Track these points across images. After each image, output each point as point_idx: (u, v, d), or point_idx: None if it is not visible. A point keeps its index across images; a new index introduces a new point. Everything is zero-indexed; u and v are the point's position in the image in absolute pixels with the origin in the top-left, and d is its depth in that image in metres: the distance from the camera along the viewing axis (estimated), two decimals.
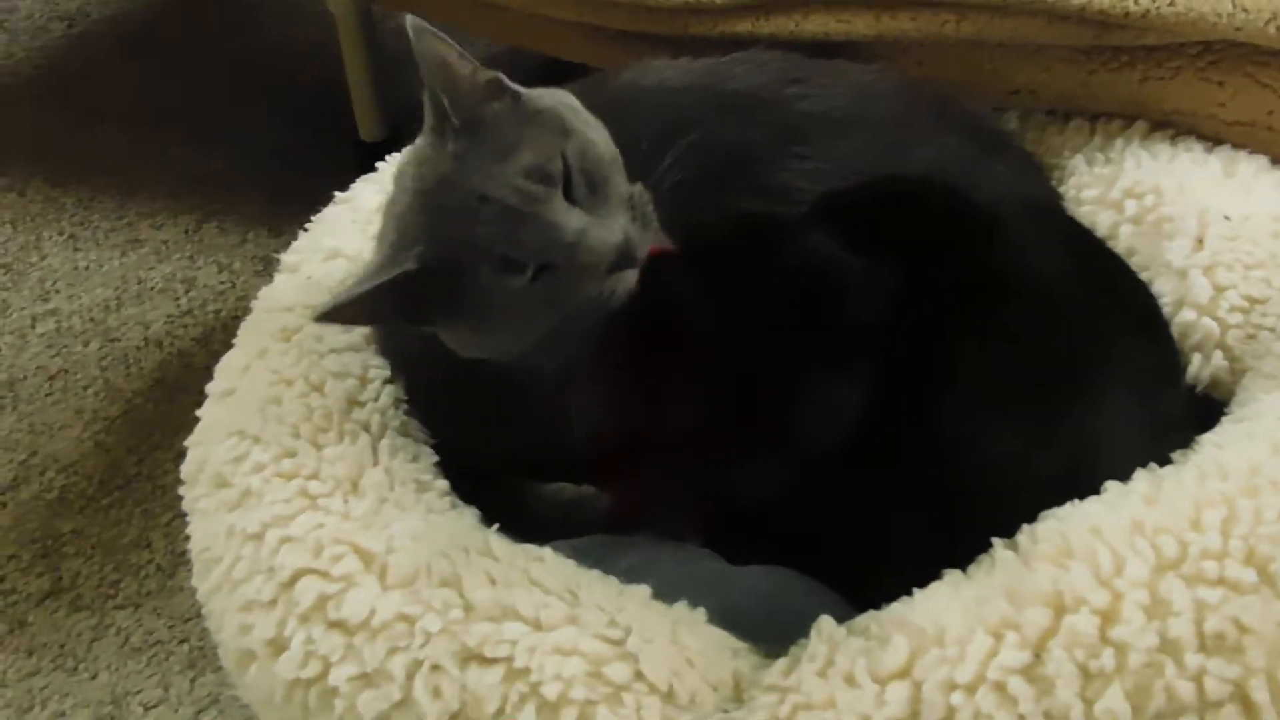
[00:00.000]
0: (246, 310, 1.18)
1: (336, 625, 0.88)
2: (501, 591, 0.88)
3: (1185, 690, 0.75)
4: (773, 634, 0.88)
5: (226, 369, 1.10)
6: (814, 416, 0.98)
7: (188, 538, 1.04)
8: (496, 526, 0.96)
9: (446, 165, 0.97)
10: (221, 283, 1.78)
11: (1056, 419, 0.92)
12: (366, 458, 0.99)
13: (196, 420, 1.08)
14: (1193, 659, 0.76)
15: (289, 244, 1.61)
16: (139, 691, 1.26)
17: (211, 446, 1.03)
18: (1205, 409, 1.01)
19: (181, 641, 1.30)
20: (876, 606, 0.89)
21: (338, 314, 0.95)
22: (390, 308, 0.96)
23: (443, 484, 1.01)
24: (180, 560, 1.35)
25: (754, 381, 0.97)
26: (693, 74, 1.20)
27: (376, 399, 1.04)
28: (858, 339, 0.97)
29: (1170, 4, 1.11)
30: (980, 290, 0.96)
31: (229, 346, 1.17)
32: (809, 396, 0.97)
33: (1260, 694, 0.75)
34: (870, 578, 0.94)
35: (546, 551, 0.93)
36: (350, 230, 1.20)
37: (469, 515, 0.98)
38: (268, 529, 0.94)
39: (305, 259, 1.19)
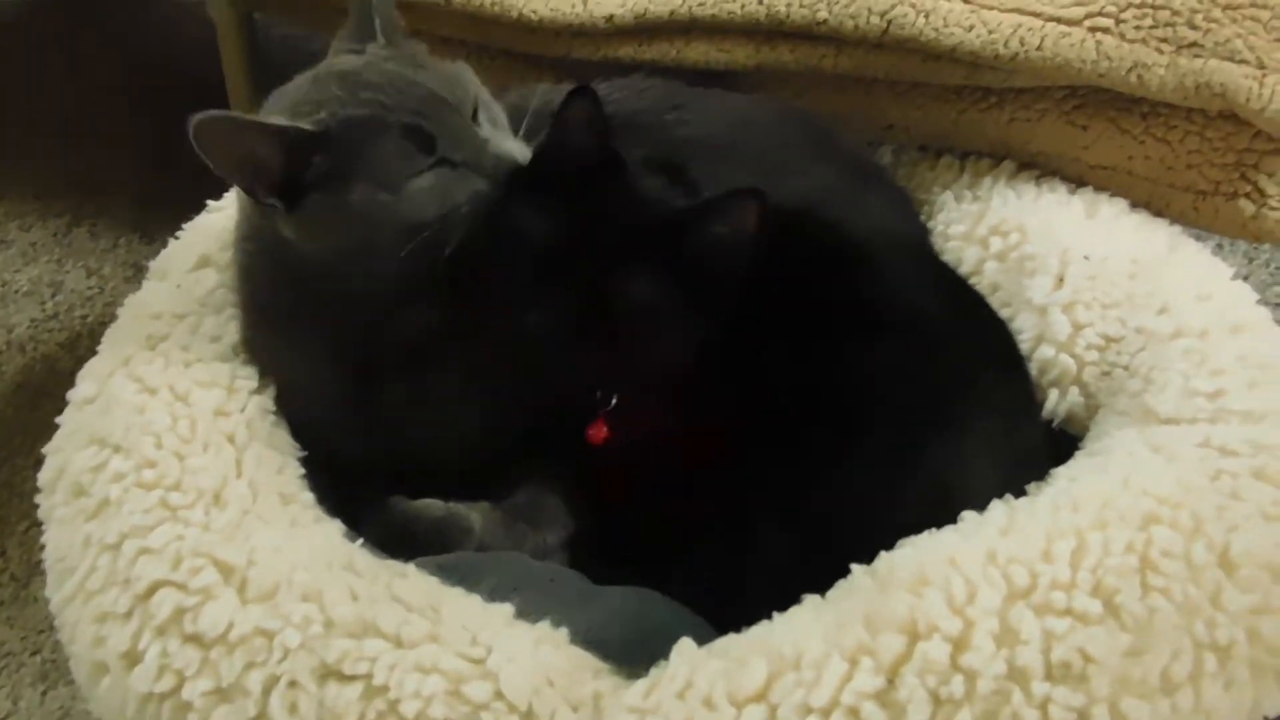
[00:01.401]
0: (115, 317, 1.16)
1: (193, 639, 0.87)
2: (363, 607, 0.87)
3: (1030, 718, 0.77)
4: (635, 654, 0.89)
5: (90, 375, 1.07)
6: (661, 330, 0.98)
7: (44, 547, 1.02)
8: (361, 541, 0.96)
9: (368, 59, 1.03)
10: (90, 288, 1.74)
11: (917, 450, 0.94)
12: (230, 469, 0.98)
13: (55, 430, 1.06)
14: (1039, 687, 0.78)
15: (159, 250, 1.59)
16: None
17: (71, 454, 1.00)
18: (1061, 443, 1.04)
19: (34, 653, 1.27)
20: (738, 630, 0.90)
21: (220, 125, 0.93)
22: (271, 155, 0.95)
23: (308, 496, 1.00)
24: (35, 570, 1.31)
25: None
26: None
27: (243, 409, 1.03)
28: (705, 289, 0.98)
29: (1038, 49, 1.14)
30: (846, 322, 0.98)
31: (96, 353, 1.14)
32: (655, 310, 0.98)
33: None
34: (733, 601, 0.95)
35: (410, 568, 0.92)
36: (220, 238, 1.18)
37: (334, 529, 0.97)
38: (125, 539, 0.92)
39: (174, 266, 1.17)
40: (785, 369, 0.97)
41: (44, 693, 1.22)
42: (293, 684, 0.84)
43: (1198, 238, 1.17)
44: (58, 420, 1.05)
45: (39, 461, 1.31)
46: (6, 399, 1.58)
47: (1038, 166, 1.23)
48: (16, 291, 1.75)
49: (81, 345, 1.63)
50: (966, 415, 0.95)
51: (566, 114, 0.99)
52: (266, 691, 0.84)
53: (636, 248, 0.95)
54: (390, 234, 0.96)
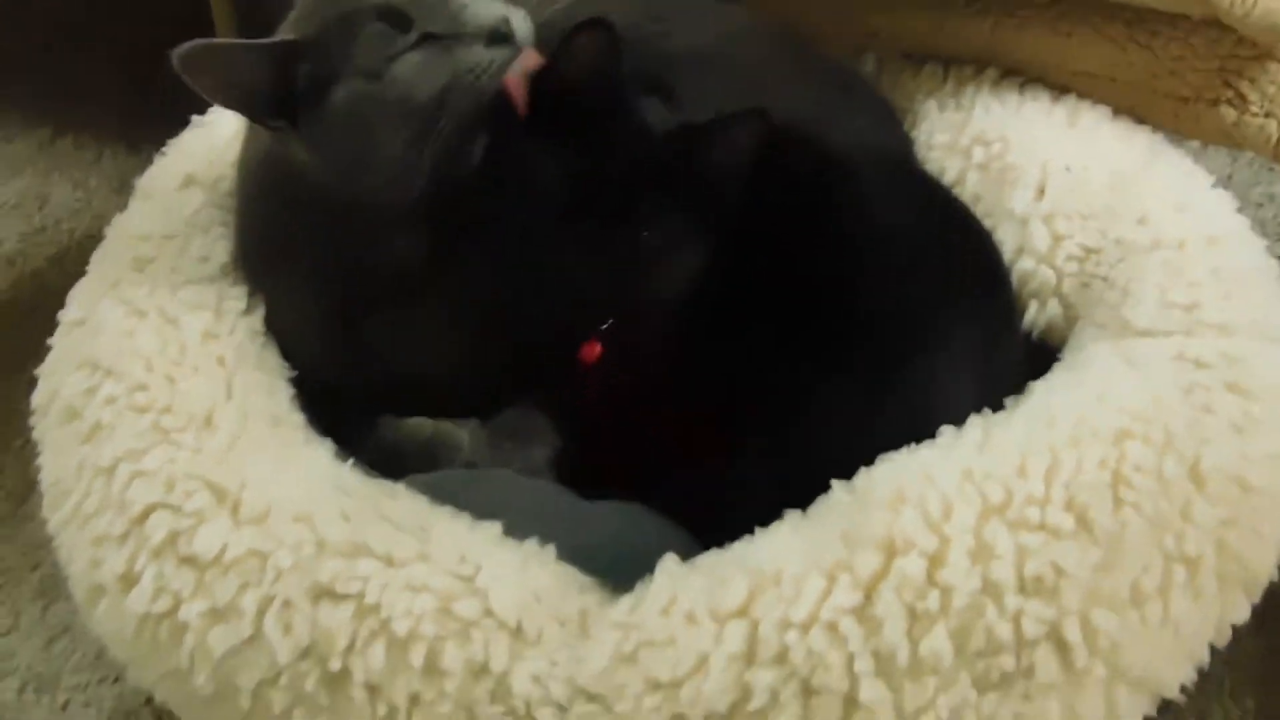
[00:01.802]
0: (102, 231, 1.16)
1: (188, 561, 0.89)
2: (354, 528, 0.89)
3: (1003, 630, 0.79)
4: (620, 570, 0.90)
5: (79, 297, 1.08)
6: (661, 262, 1.00)
7: (38, 466, 1.04)
8: (351, 462, 0.97)
9: None
10: (77, 200, 1.74)
11: (897, 368, 0.95)
12: (220, 393, 0.99)
13: (49, 347, 1.07)
14: (1012, 600, 0.80)
15: (147, 163, 1.59)
16: None
17: (63, 377, 1.02)
18: (1040, 354, 1.05)
19: (33, 569, 1.29)
20: (721, 545, 0.92)
21: (203, 54, 0.93)
22: (260, 75, 0.96)
23: (298, 418, 1.01)
24: (32, 487, 1.29)
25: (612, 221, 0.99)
26: (563, 8, 1.21)
27: (232, 332, 1.04)
28: (707, 200, 1.00)
29: None
30: (826, 242, 0.99)
31: (83, 268, 1.15)
32: (658, 241, 0.99)
33: (1073, 634, 0.80)
34: (716, 516, 0.97)
35: (399, 488, 0.94)
36: (206, 157, 1.19)
37: (324, 451, 0.99)
38: (119, 463, 0.94)
39: (159, 186, 1.17)
40: (767, 289, 0.98)
41: (44, 608, 1.24)
42: (287, 604, 0.86)
43: (1178, 144, 1.18)
44: (48, 341, 1.07)
45: (31, 380, 1.33)
46: None
47: (1021, 74, 1.22)
48: (4, 204, 1.75)
49: (69, 260, 1.62)
50: (946, 334, 0.96)
51: (575, 46, 0.98)
52: (261, 612, 0.86)
53: (647, 180, 0.96)
54: (384, 127, 0.96)
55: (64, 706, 1.16)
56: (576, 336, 1.02)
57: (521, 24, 1.00)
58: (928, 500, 0.83)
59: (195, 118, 1.25)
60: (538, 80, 0.99)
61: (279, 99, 0.97)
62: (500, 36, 0.98)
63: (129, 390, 0.98)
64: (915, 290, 0.97)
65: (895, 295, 0.97)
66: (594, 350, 1.01)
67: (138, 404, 0.97)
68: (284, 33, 1.00)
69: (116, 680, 1.03)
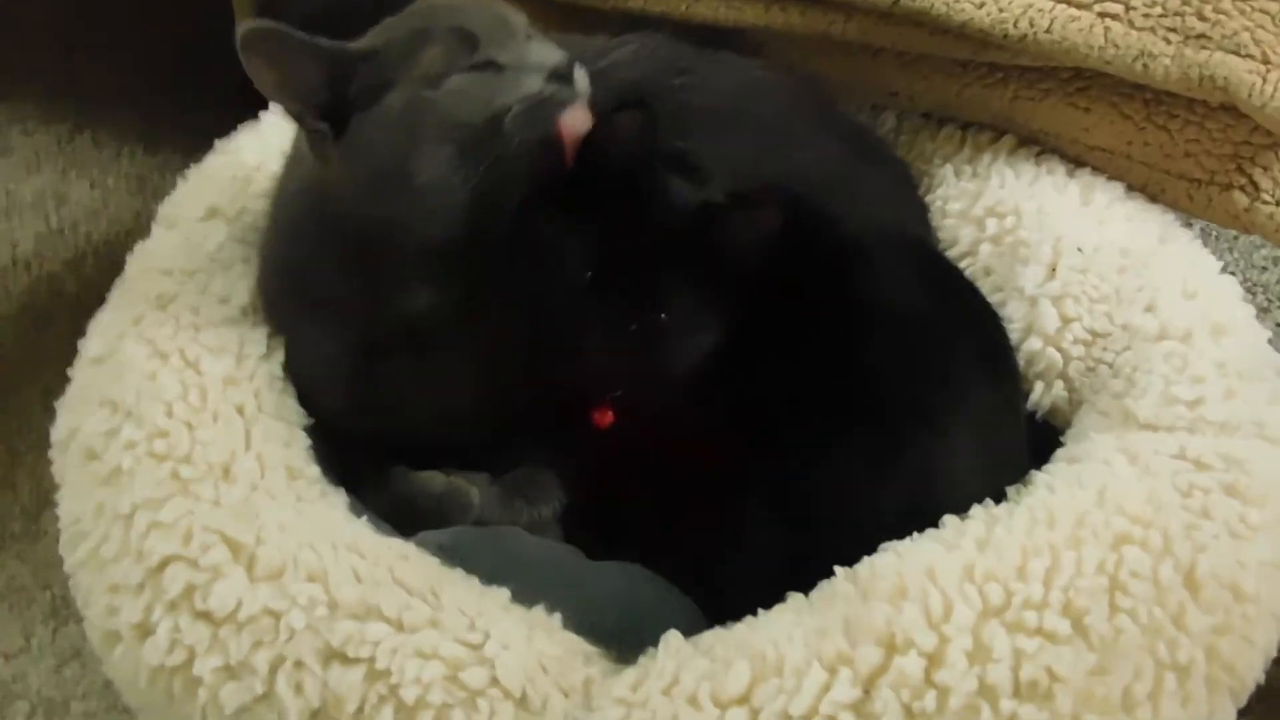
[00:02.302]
0: (119, 234, 1.18)
1: (203, 615, 0.90)
2: (367, 590, 0.90)
3: None
4: (625, 638, 0.93)
5: (100, 331, 1.10)
6: (680, 334, 1.01)
7: (52, 481, 1.05)
8: (365, 519, 0.99)
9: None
10: (94, 201, 1.74)
11: (901, 449, 0.97)
12: (239, 442, 1.00)
13: (63, 355, 1.08)
14: (1007, 704, 0.82)
15: (164, 165, 1.60)
16: (0, 639, 1.27)
17: (83, 416, 1.03)
18: (1043, 434, 1.07)
19: (45, 589, 1.30)
20: (723, 612, 0.95)
21: (268, 37, 0.95)
22: (317, 74, 0.97)
23: (313, 471, 1.03)
24: (45, 502, 1.32)
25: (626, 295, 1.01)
26: (585, 55, 1.22)
27: (251, 378, 1.05)
28: (728, 284, 1.01)
29: (1047, 31, 1.15)
30: (837, 321, 1.01)
31: (100, 273, 1.16)
32: (678, 314, 1.01)
33: None
34: (719, 583, 1.00)
35: (411, 549, 0.96)
36: (230, 187, 1.20)
37: (338, 504, 1.01)
38: (137, 511, 0.95)
39: (183, 214, 1.19)
40: (778, 363, 1.00)
41: (55, 630, 1.26)
42: (298, 664, 0.87)
43: (1189, 223, 1.20)
44: (64, 347, 1.08)
45: (46, 390, 1.34)
46: (11, 322, 1.59)
47: (1038, 143, 1.24)
48: (21, 203, 1.75)
49: (86, 265, 1.63)
50: (950, 417, 0.98)
51: (617, 123, 1.00)
52: (273, 670, 0.88)
53: (669, 260, 0.98)
54: (431, 139, 0.98)
55: None
56: (589, 400, 1.04)
57: (582, 76, 1.02)
58: (929, 597, 0.85)
59: (218, 142, 1.26)
60: (578, 151, 1.00)
61: (329, 102, 0.98)
62: (561, 76, 1.00)
63: (149, 437, 0.99)
64: (922, 374, 0.99)
65: (903, 375, 0.99)
66: (606, 417, 1.03)
67: (157, 451, 0.98)
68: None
69: (126, 710, 1.04)
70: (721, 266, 0.99)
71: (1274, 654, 0.91)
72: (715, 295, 0.99)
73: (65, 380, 1.35)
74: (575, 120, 1.00)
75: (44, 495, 1.34)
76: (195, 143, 1.73)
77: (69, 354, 1.42)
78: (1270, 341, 1.11)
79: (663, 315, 0.98)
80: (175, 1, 1.94)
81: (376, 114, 0.99)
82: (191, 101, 1.79)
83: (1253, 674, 0.89)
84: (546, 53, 1.01)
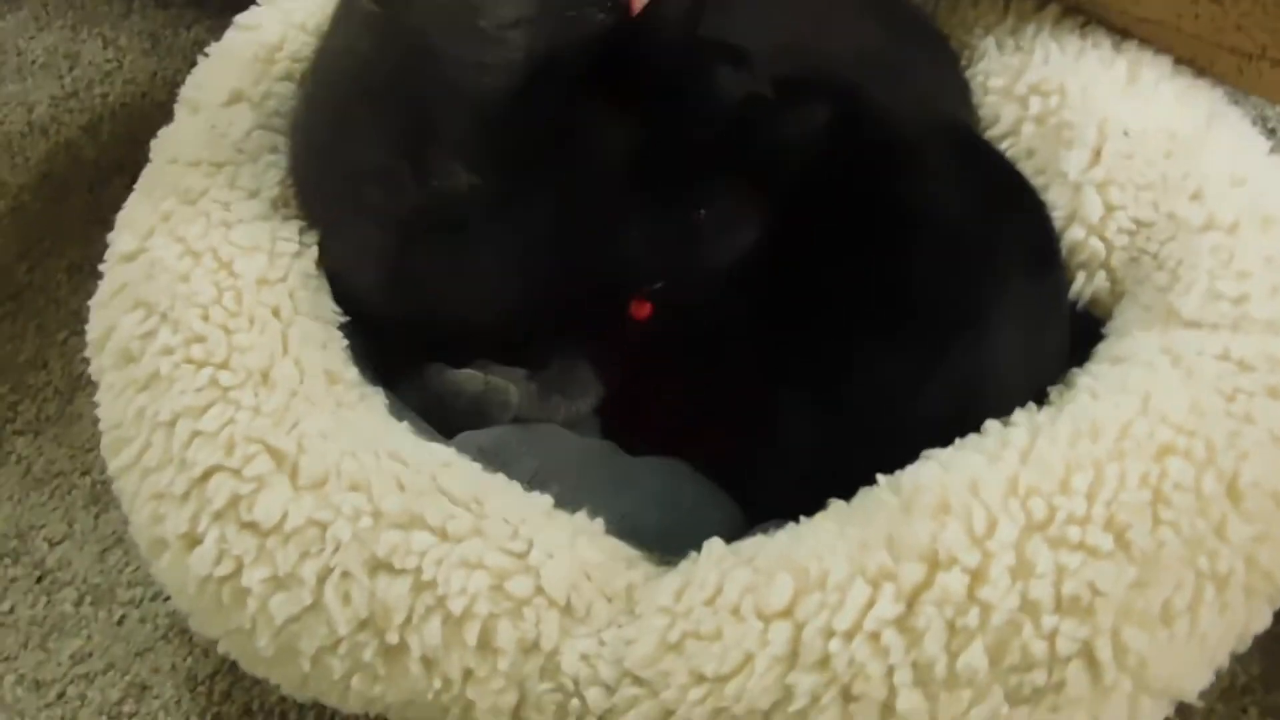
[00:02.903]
0: (135, 96, 1.15)
1: (249, 526, 0.91)
2: (410, 499, 0.91)
3: (1038, 648, 0.82)
4: (666, 539, 0.94)
5: (129, 225, 1.07)
6: (718, 227, 1.01)
7: (84, 360, 1.06)
8: (405, 423, 1.00)
9: None
10: (108, 60, 1.69)
11: (943, 349, 0.97)
12: (277, 346, 1.00)
13: (85, 227, 1.06)
14: (1049, 620, 0.82)
15: (176, 20, 1.55)
16: (43, 526, 1.27)
17: (118, 316, 1.02)
18: (1085, 325, 1.07)
19: (84, 474, 1.30)
20: (762, 510, 0.97)
21: None
22: None
23: (352, 373, 1.02)
24: (78, 384, 1.34)
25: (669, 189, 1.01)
26: None
27: (285, 278, 1.04)
28: (770, 177, 1.01)
29: None
30: (883, 219, 0.99)
31: (117, 139, 1.14)
32: (718, 207, 1.01)
33: (1104, 652, 0.82)
34: (757, 482, 1.01)
35: (453, 454, 0.97)
36: (252, 68, 1.16)
37: (378, 407, 1.01)
38: (179, 419, 0.96)
39: (205, 98, 1.15)
40: (821, 260, 0.99)
41: (97, 515, 1.27)
42: (345, 575, 0.89)
43: (1237, 100, 1.17)
44: (87, 221, 1.06)
45: (71, 265, 1.34)
46: (32, 190, 1.56)
47: (1083, 13, 1.19)
48: (33, 63, 1.71)
49: (104, 130, 1.60)
50: (994, 318, 0.97)
51: (664, 9, 0.98)
52: (321, 581, 0.89)
53: (710, 156, 0.97)
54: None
55: (120, 621, 1.19)
56: (626, 293, 1.03)
57: None
58: (973, 513, 0.85)
59: (238, 19, 1.22)
60: (617, 38, 0.98)
61: None
62: None
63: (186, 342, 0.98)
64: (966, 274, 0.98)
65: (947, 275, 0.98)
66: (644, 309, 1.02)
67: (195, 357, 0.98)
68: None
69: (169, 598, 1.06)
70: (764, 162, 0.97)
71: None
72: (756, 192, 0.98)
73: (89, 254, 1.34)
74: None
75: (76, 377, 1.34)
76: None
77: (90, 225, 1.42)
78: None
79: (701, 212, 0.97)
80: None
81: None
82: None
83: None
84: None
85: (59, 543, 1.25)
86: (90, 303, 1.06)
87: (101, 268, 1.07)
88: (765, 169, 0.98)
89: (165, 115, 1.17)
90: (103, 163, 1.54)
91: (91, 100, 1.64)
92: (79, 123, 1.62)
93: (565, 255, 1.02)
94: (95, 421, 1.03)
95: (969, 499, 0.86)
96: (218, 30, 1.52)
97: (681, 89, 0.98)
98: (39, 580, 1.24)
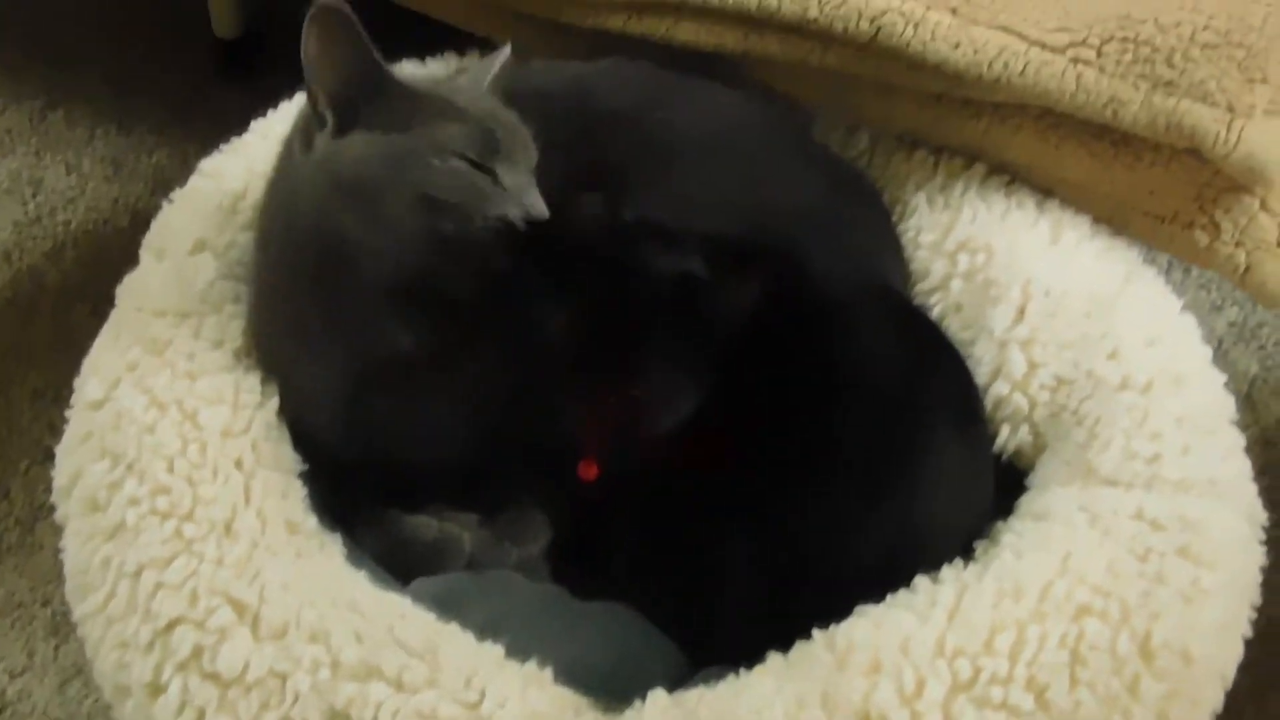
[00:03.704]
0: (97, 222, 1.18)
1: (212, 677, 0.94)
2: (367, 650, 0.95)
3: None
4: (612, 684, 0.98)
5: (96, 372, 1.11)
6: (660, 398, 1.06)
7: (46, 489, 1.09)
8: (364, 572, 1.03)
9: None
10: (70, 187, 1.73)
11: (875, 504, 1.03)
12: (239, 498, 1.03)
13: (49, 353, 1.09)
14: None
15: (138, 144, 1.58)
16: (3, 658, 1.29)
17: (84, 464, 1.06)
18: (1009, 477, 1.13)
19: (44, 604, 1.32)
20: (704, 656, 1.02)
21: (337, 19, 0.98)
22: (360, 74, 1.01)
23: (311, 522, 1.06)
24: (39, 513, 1.37)
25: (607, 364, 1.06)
26: (564, 82, 1.24)
27: (248, 429, 1.08)
28: (707, 350, 1.06)
29: (1020, 74, 1.17)
30: (816, 380, 1.06)
31: (80, 265, 1.17)
32: (659, 380, 1.06)
33: None
34: (700, 629, 1.05)
35: (408, 605, 1.00)
36: (215, 217, 1.21)
37: (336, 555, 1.05)
38: (144, 570, 0.99)
39: (171, 245, 1.20)
40: (758, 419, 1.05)
41: (56, 647, 1.29)
42: None
43: (1153, 258, 1.24)
44: (49, 349, 1.10)
45: (35, 391, 1.37)
46: None
47: (1009, 172, 1.27)
48: None
49: (66, 255, 1.64)
50: (921, 475, 1.04)
51: (583, 204, 1.05)
52: None
53: (649, 328, 1.03)
54: (413, 193, 1.01)
55: None
56: (574, 454, 1.08)
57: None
58: (903, 672, 0.91)
59: (201, 164, 1.27)
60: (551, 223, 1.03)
61: (348, 103, 1.02)
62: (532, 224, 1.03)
63: (151, 493, 1.02)
64: (895, 432, 1.05)
65: (877, 435, 1.04)
66: (591, 471, 1.07)
67: (160, 509, 1.01)
68: None
69: None
70: (701, 334, 1.03)
71: (1219, 710, 0.98)
72: (695, 362, 1.03)
73: (52, 380, 1.38)
74: None
75: (38, 507, 1.37)
76: (168, 117, 1.74)
77: (53, 351, 1.45)
78: (1222, 337, 1.16)
79: (642, 387, 1.02)
80: None
81: (379, 140, 1.02)
82: (164, 69, 1.78)
83: None
84: (539, 203, 1.03)
85: (19, 674, 1.27)
86: (57, 448, 1.09)
87: (69, 412, 1.10)
88: (702, 341, 1.03)
89: (127, 241, 1.20)
90: (66, 288, 1.57)
91: (54, 226, 1.67)
92: (42, 249, 1.65)
93: (511, 412, 1.07)
94: (57, 552, 1.06)
95: (899, 658, 0.92)
96: (178, 157, 1.58)
97: (616, 271, 1.04)
98: (0, 713, 1.26)
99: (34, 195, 1.73)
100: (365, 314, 1.05)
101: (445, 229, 1.01)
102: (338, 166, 1.02)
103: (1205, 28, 1.16)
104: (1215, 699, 0.97)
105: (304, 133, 1.05)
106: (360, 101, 1.02)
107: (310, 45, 0.99)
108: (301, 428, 1.13)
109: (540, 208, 1.03)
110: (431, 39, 1.34)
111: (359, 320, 1.06)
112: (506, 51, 1.19)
